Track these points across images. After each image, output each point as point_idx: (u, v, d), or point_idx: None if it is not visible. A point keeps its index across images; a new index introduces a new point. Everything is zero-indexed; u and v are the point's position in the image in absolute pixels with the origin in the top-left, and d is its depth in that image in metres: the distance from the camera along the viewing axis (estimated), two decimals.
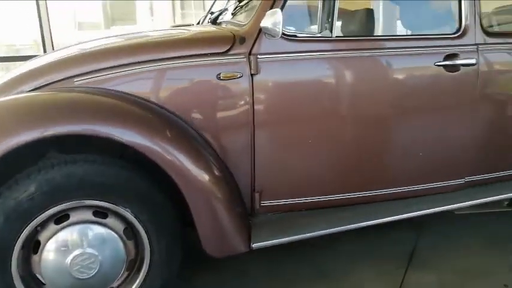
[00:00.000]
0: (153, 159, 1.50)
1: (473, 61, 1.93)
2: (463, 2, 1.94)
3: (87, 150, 1.53)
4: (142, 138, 1.51)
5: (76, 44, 2.12)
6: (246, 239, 1.71)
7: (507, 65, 2.07)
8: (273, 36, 1.64)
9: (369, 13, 2.12)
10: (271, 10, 1.61)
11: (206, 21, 2.40)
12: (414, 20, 2.12)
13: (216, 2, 2.51)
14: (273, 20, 1.59)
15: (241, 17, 1.98)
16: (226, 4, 2.30)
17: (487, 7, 2.09)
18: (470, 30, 1.95)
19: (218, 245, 1.68)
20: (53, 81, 1.63)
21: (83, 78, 1.64)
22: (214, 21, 2.14)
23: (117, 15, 20.29)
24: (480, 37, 1.97)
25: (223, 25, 2.08)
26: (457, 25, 1.96)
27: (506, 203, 2.28)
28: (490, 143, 2.10)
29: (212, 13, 2.31)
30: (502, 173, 2.22)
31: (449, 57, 1.91)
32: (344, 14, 2.19)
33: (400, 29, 2.30)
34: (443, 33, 1.95)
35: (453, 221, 2.44)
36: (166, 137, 1.56)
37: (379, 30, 2.37)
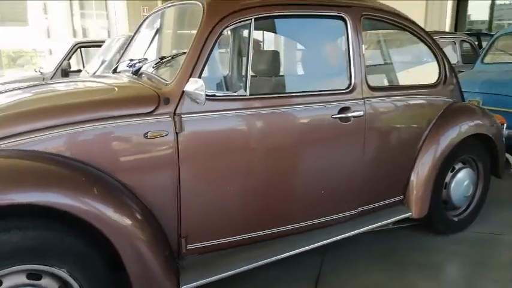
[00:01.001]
0: (80, 216, 1.60)
1: (361, 113, 2.33)
2: (351, 63, 2.32)
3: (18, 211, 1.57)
4: (66, 198, 1.59)
5: None
6: (175, 282, 1.87)
7: (386, 113, 2.50)
8: (196, 101, 1.83)
9: (275, 54, 2.42)
10: (194, 79, 1.80)
11: (124, 66, 2.49)
12: (314, 75, 2.47)
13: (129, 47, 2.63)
14: (195, 87, 1.79)
15: (163, 72, 2.14)
16: (145, 53, 2.43)
17: None
18: (358, 86, 2.34)
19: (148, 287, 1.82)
20: None
21: (8, 141, 1.67)
22: (136, 73, 2.25)
23: (6, 15, 18.53)
24: (366, 92, 2.37)
25: (144, 77, 2.21)
26: (348, 82, 2.34)
27: (391, 225, 2.74)
28: (376, 178, 2.52)
29: (131, 60, 2.41)
30: (387, 201, 2.67)
31: (343, 110, 2.27)
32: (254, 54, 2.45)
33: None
34: (338, 89, 2.31)
35: (350, 243, 2.83)
36: (92, 194, 1.66)
37: (284, 70, 2.67)
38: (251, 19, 2.04)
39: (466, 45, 7.12)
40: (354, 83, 2.33)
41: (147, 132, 1.83)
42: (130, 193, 1.83)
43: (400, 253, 2.76)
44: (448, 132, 2.73)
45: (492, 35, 6.13)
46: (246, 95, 2.04)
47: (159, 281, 1.83)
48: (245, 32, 2.06)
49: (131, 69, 2.33)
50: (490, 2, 14.49)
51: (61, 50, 6.59)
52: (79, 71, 6.11)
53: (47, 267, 1.57)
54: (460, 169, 2.91)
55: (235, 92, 2.03)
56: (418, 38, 2.73)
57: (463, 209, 3.04)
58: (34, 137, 1.69)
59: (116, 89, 2.01)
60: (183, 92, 1.87)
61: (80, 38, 13.45)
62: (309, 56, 2.70)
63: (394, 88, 2.55)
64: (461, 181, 2.90)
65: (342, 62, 2.35)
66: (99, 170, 1.77)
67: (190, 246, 2.03)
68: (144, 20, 2.78)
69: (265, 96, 2.10)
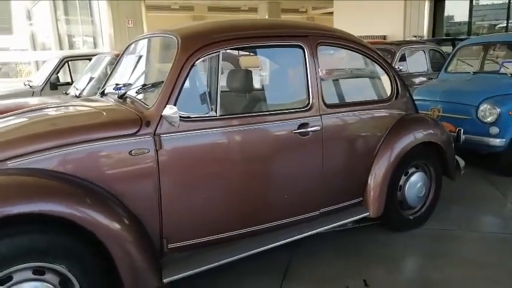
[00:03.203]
0: (78, 223, 1.94)
1: (318, 127, 2.69)
2: (309, 84, 2.69)
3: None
4: (64, 207, 1.92)
5: None
6: (158, 276, 2.21)
7: (342, 126, 2.88)
8: (172, 124, 2.18)
9: (248, 73, 2.77)
10: (170, 106, 2.16)
11: (111, 89, 2.82)
12: (277, 96, 2.84)
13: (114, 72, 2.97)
14: (171, 112, 2.14)
15: (145, 97, 2.48)
16: (129, 78, 2.77)
17: None
18: (315, 104, 2.70)
19: (135, 282, 2.15)
20: None
21: (15, 160, 2.00)
22: (121, 97, 2.59)
23: None
24: (323, 109, 2.73)
25: (129, 101, 2.55)
26: (307, 101, 2.70)
27: (350, 224, 3.11)
28: (335, 183, 2.89)
29: (117, 84, 2.75)
30: (347, 202, 3.04)
31: (302, 125, 2.64)
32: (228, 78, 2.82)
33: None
34: (298, 108, 2.67)
35: (318, 240, 3.19)
36: (86, 203, 2.00)
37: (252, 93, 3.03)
38: (219, 51, 2.40)
39: (436, 53, 7.56)
40: (312, 101, 2.70)
41: (131, 150, 2.17)
42: (118, 201, 2.17)
43: (361, 248, 3.14)
44: (400, 141, 3.11)
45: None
46: (216, 116, 2.39)
47: (145, 275, 2.17)
48: (215, 62, 2.41)
49: (117, 92, 2.66)
50: (468, 2, 14.66)
51: (46, 58, 6.75)
52: (68, 83, 6.39)
53: (50, 264, 1.91)
54: (413, 173, 3.30)
55: (207, 113, 2.38)
56: (372, 60, 3.12)
57: (418, 208, 3.43)
58: (37, 157, 2.02)
59: (104, 113, 2.36)
60: (161, 116, 2.22)
61: (66, 49, 13.64)
62: (273, 79, 3.07)
63: (348, 104, 2.91)
64: (415, 183, 3.28)
65: (302, 84, 2.71)
66: (92, 183, 2.11)
67: (171, 246, 2.37)
68: (128, 46, 3.13)
69: (233, 116, 2.45)
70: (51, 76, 6.39)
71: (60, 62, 6.58)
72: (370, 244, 3.18)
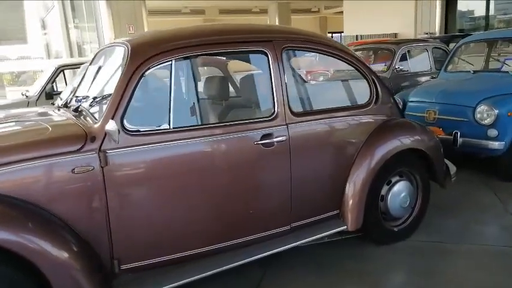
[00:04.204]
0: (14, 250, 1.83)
1: (283, 138, 2.53)
2: (274, 92, 2.53)
3: None
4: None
5: None
6: None
7: (311, 136, 2.70)
8: (113, 140, 2.06)
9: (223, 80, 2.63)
10: (111, 121, 2.03)
11: (73, 101, 2.72)
12: (239, 106, 2.69)
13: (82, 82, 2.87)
14: (111, 128, 2.02)
15: (95, 111, 2.37)
16: (88, 90, 2.66)
17: None
18: (280, 113, 2.54)
19: None
20: None
21: None
22: (76, 110, 2.49)
23: (4, 33, 18.91)
24: (289, 117, 2.57)
25: (83, 114, 2.43)
26: (272, 110, 2.55)
27: (326, 238, 2.93)
28: (306, 196, 2.72)
29: (77, 97, 2.65)
30: (322, 215, 2.86)
31: (265, 136, 2.48)
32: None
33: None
34: (260, 117, 2.52)
35: (293, 254, 3.03)
36: (27, 229, 1.90)
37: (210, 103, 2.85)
38: (171, 60, 2.27)
39: (440, 51, 7.28)
40: (277, 110, 2.54)
41: (73, 168, 2.06)
42: (63, 224, 2.06)
43: (339, 262, 2.96)
44: (379, 148, 2.92)
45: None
46: (169, 128, 2.26)
47: None
48: (167, 72, 2.28)
49: (76, 104, 2.56)
50: None
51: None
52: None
53: None
54: (396, 182, 3.10)
55: (159, 126, 2.25)
56: (348, 63, 2.93)
57: (404, 220, 3.22)
58: None
59: (50, 128, 2.25)
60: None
61: (76, 57, 13.78)
62: (235, 87, 2.92)
63: (319, 112, 2.73)
64: (398, 193, 3.08)
65: (266, 92, 2.56)
66: (33, 205, 2.00)
67: (124, 267, 2.25)
68: (96, 55, 3.03)
69: (187, 128, 2.32)
70: (46, 85, 6.39)
71: (55, 71, 6.57)
72: (350, 258, 3.00)
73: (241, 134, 2.43)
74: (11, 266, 1.90)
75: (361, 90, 3.01)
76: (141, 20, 9.48)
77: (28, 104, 6.21)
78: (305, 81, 3.10)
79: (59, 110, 2.70)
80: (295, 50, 2.69)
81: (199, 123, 2.34)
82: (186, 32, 2.50)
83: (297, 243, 2.70)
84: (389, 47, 6.79)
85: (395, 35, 14.75)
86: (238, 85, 2.90)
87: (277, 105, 2.54)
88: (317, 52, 2.79)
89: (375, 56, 7.59)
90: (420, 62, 6.95)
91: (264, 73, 2.55)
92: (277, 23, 20.56)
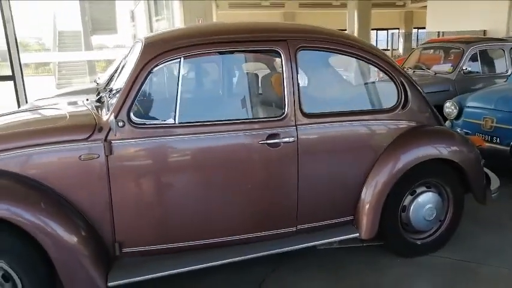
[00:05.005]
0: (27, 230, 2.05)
1: (291, 139, 2.50)
2: (285, 92, 2.50)
3: None
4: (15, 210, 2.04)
5: None
6: (103, 279, 2.24)
7: (324, 139, 2.63)
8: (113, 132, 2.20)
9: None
10: (111, 115, 2.17)
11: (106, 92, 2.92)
12: (247, 104, 2.69)
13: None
14: (110, 120, 2.16)
15: (113, 102, 2.52)
16: (115, 81, 2.84)
17: None
18: (290, 113, 2.51)
19: (76, 282, 2.20)
20: None
21: None
22: (99, 100, 2.67)
23: (97, 24, 20.50)
24: (300, 118, 2.53)
25: (104, 105, 2.60)
26: (282, 110, 2.52)
27: (335, 244, 2.85)
28: (315, 200, 2.66)
29: (105, 88, 2.84)
30: (334, 220, 2.78)
31: (271, 136, 2.47)
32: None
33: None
34: (267, 117, 2.51)
35: (304, 255, 2.99)
36: (40, 209, 2.10)
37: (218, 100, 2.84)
38: (180, 58, 2.34)
39: None
40: (287, 110, 2.51)
41: (81, 155, 2.23)
42: (68, 205, 2.24)
43: (349, 269, 2.87)
44: (402, 156, 2.76)
45: None
46: (175, 123, 2.35)
47: (88, 277, 2.20)
48: (176, 69, 2.36)
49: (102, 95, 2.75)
50: None
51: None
52: None
53: None
54: (422, 192, 2.91)
55: (164, 120, 2.35)
56: (372, 64, 2.80)
57: (430, 233, 3.02)
58: None
59: (68, 117, 2.45)
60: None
61: None
62: (248, 86, 2.90)
63: (334, 114, 2.63)
64: (422, 205, 2.89)
65: (277, 92, 2.53)
66: (44, 185, 2.21)
67: (126, 250, 2.39)
68: (131, 48, 3.21)
69: (192, 124, 2.38)
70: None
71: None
72: (361, 266, 2.89)
73: (246, 132, 2.44)
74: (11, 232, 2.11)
75: (387, 94, 2.85)
76: (210, 13, 9.76)
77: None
78: (323, 83, 3.00)
79: (87, 100, 2.91)
80: (313, 49, 2.61)
81: (205, 119, 2.39)
82: (199, 30, 2.56)
83: (302, 245, 2.66)
84: (457, 46, 6.29)
85: (484, 32, 13.55)
86: (248, 85, 2.90)
87: (288, 105, 2.51)
88: (336, 53, 2.69)
89: (445, 56, 7.09)
90: (495, 64, 6.35)
91: (276, 73, 2.52)
92: (355, 18, 19.91)
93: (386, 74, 2.82)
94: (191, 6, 9.00)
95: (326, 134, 2.63)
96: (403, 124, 2.84)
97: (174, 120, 2.34)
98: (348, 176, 2.74)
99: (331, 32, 2.76)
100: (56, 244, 2.13)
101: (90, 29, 19.62)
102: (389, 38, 22.75)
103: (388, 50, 21.21)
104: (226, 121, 2.43)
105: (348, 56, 2.72)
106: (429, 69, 6.40)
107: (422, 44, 8.29)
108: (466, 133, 4.37)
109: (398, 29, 28.59)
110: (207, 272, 2.63)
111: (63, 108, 2.78)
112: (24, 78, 7.72)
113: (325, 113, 2.63)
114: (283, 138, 2.49)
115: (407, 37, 26.64)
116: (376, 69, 2.83)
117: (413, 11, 28.45)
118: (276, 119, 2.51)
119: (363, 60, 2.77)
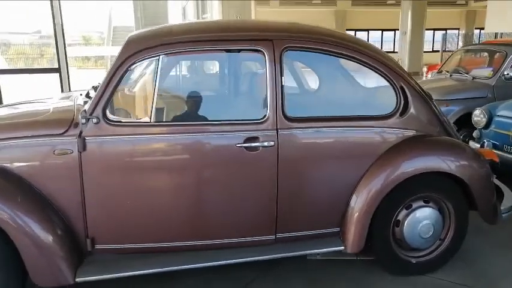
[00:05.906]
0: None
1: (272, 143, 2.40)
2: (267, 94, 2.41)
3: None
4: None
5: None
6: (72, 274, 2.27)
7: (308, 145, 2.50)
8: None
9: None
10: (82, 113, 2.18)
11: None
12: (227, 105, 2.61)
13: None
14: (80, 117, 2.18)
15: None
16: None
17: None
18: (271, 117, 2.41)
19: (43, 275, 2.24)
20: None
21: None
22: (87, 95, 2.71)
23: (149, 20, 21.19)
24: (282, 122, 2.42)
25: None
26: (263, 112, 2.43)
27: (318, 255, 2.72)
28: (296, 208, 2.54)
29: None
30: (319, 231, 2.65)
31: (249, 139, 2.38)
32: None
33: None
34: (246, 119, 2.41)
35: (290, 265, 2.88)
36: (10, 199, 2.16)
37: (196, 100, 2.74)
38: (159, 56, 2.32)
39: None
40: (268, 113, 2.41)
41: (54, 150, 2.26)
42: (41, 196, 2.29)
43: (334, 283, 2.73)
44: (393, 167, 2.57)
45: None
46: (150, 122, 2.33)
47: (56, 271, 2.24)
48: (153, 67, 2.34)
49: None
50: None
51: None
52: None
53: None
54: (418, 207, 2.70)
55: (140, 118, 2.33)
56: (369, 68, 2.62)
57: (428, 252, 2.81)
58: None
59: (50, 111, 2.50)
60: (88, 118, 2.26)
61: None
62: (228, 87, 2.82)
63: (320, 119, 2.49)
64: (418, 220, 2.69)
65: (259, 94, 2.44)
66: (18, 177, 2.27)
67: (98, 247, 2.41)
68: None
69: (167, 123, 2.35)
70: None
71: None
72: (346, 282, 2.74)
73: (223, 134, 2.37)
74: None
75: (384, 99, 2.67)
76: (249, 10, 9.74)
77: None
78: (313, 85, 2.85)
79: (81, 95, 2.97)
80: (301, 50, 2.49)
81: (181, 119, 2.35)
82: (182, 28, 2.51)
83: (282, 254, 2.56)
84: (500, 49, 5.82)
85: None
86: (233, 83, 2.81)
87: (269, 108, 2.41)
88: (327, 54, 2.53)
89: (490, 59, 6.59)
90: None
91: (260, 73, 2.43)
92: (409, 17, 19.08)
93: (383, 77, 2.64)
94: (230, 4, 9.04)
95: (310, 139, 2.50)
96: (399, 132, 2.65)
97: (150, 118, 2.32)
98: (334, 185, 2.60)
99: (322, 31, 2.61)
100: (23, 234, 2.18)
101: (143, 24, 20.25)
102: (441, 38, 21.47)
103: (444, 51, 20.10)
104: (203, 121, 2.37)
105: (340, 57, 2.57)
106: (468, 73, 5.98)
107: (465, 45, 7.78)
108: (494, 144, 4.02)
109: (458, 29, 27.13)
110: (186, 275, 2.61)
111: (52, 102, 2.85)
112: (82, 70, 8.12)
113: (309, 118, 2.50)
114: (262, 142, 2.39)
115: (468, 38, 25.17)
116: (374, 73, 2.64)
117: (476, 10, 26.86)
118: (255, 121, 2.42)
119: (358, 63, 2.60)
